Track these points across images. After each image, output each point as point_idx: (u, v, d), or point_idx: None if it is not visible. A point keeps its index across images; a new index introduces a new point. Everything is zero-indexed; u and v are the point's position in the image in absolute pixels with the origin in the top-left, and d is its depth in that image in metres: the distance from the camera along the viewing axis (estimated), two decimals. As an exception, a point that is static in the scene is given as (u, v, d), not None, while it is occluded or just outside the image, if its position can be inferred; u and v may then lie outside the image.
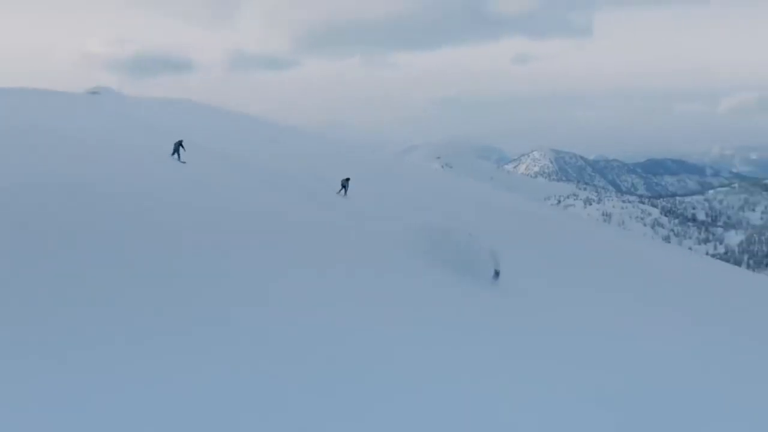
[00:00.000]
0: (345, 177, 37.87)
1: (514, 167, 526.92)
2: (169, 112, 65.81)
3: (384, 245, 25.77)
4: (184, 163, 35.19)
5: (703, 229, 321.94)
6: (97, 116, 52.83)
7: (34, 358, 9.91)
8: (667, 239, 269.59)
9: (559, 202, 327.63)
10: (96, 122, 48.87)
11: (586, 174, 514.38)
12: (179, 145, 35.94)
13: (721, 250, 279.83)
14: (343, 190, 37.28)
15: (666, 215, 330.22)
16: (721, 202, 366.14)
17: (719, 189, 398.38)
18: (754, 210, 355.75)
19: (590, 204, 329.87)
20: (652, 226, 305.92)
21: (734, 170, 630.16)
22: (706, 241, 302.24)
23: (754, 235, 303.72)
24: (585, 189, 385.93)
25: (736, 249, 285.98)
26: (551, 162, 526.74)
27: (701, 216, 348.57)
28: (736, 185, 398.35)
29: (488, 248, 25.11)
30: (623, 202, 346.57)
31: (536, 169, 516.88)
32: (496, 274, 24.28)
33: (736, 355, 22.96)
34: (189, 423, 9.07)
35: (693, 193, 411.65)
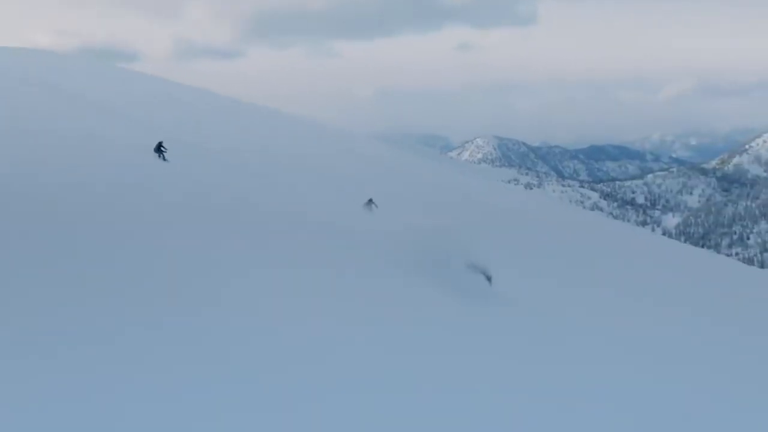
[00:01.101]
0: (368, 198, 38.62)
1: (458, 154, 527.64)
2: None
3: (377, 247, 25.15)
4: (167, 161, 34.64)
5: (642, 212, 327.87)
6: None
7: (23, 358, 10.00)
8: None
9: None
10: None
11: (529, 160, 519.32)
12: (160, 145, 35.39)
13: (658, 232, 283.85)
14: (371, 205, 38.13)
15: (605, 199, 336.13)
16: (659, 186, 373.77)
17: (658, 173, 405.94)
18: (691, 193, 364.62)
19: (531, 188, 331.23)
20: (592, 210, 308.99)
21: (674, 155, 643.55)
22: (644, 223, 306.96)
23: (691, 217, 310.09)
24: (527, 174, 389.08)
25: (673, 231, 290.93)
26: (494, 149, 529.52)
27: (640, 199, 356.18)
28: (675, 170, 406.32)
29: (480, 259, 24.46)
30: (563, 186, 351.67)
31: (480, 155, 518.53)
32: (488, 279, 23.80)
33: (740, 354, 22.38)
34: (184, 422, 9.08)
35: (633, 178, 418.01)
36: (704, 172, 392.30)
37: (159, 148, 35.15)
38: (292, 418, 9.96)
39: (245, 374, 11.15)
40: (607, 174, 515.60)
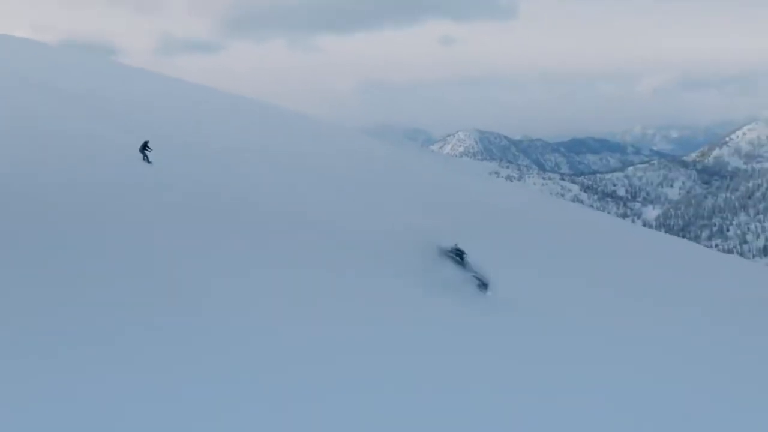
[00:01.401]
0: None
1: (440, 147, 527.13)
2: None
3: (377, 247, 24.84)
4: (151, 163, 33.16)
5: (622, 204, 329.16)
6: None
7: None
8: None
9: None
10: None
11: (510, 153, 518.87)
12: (145, 145, 33.92)
13: (638, 224, 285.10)
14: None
15: (586, 191, 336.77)
16: (640, 178, 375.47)
17: (639, 166, 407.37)
18: (672, 186, 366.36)
19: (511, 181, 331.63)
20: (572, 202, 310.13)
21: (655, 148, 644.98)
22: (625, 216, 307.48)
23: (671, 209, 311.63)
24: (508, 167, 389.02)
25: (653, 223, 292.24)
26: (476, 142, 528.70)
27: (621, 192, 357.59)
28: (656, 162, 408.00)
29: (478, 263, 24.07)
30: (543, 179, 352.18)
31: (461, 149, 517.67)
32: (485, 286, 23.21)
33: (740, 354, 22.13)
34: (185, 421, 9.20)
35: (614, 171, 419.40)
36: (685, 165, 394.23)
37: (144, 148, 33.91)
38: (292, 418, 9.92)
39: (245, 374, 11.10)
40: (588, 167, 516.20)
